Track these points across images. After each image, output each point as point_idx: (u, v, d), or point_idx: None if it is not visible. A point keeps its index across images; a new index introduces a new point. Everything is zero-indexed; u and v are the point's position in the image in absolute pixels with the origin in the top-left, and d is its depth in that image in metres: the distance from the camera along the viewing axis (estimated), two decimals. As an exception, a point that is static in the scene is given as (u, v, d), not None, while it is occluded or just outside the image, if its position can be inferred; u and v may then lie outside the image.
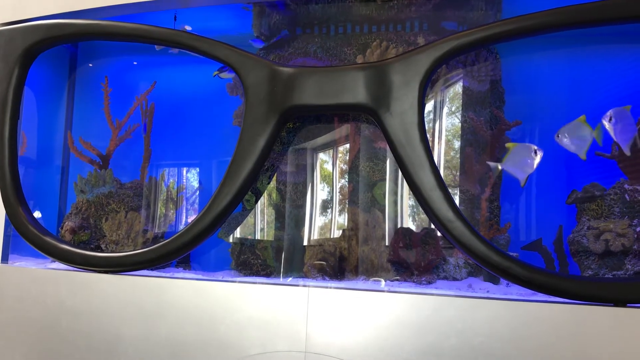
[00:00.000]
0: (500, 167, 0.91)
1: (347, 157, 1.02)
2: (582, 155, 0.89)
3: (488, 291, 0.87)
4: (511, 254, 0.79)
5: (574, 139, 0.89)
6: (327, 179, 1.03)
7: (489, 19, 0.98)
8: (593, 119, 0.95)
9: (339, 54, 1.04)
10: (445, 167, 0.97)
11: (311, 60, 1.04)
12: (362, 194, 0.99)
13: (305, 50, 1.06)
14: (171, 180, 1.18)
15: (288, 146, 1.03)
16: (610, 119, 0.87)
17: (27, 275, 0.96)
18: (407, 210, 0.98)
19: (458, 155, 0.97)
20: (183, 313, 0.85)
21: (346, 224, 0.99)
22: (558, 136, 0.90)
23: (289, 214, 1.03)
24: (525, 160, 0.89)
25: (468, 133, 0.96)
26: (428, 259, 0.93)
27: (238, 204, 0.89)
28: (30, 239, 0.96)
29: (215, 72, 1.07)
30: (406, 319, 0.75)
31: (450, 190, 0.79)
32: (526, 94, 1.00)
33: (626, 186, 0.88)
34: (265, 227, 1.07)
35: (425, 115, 0.82)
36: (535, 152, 0.88)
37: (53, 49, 1.02)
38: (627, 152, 0.87)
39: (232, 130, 1.08)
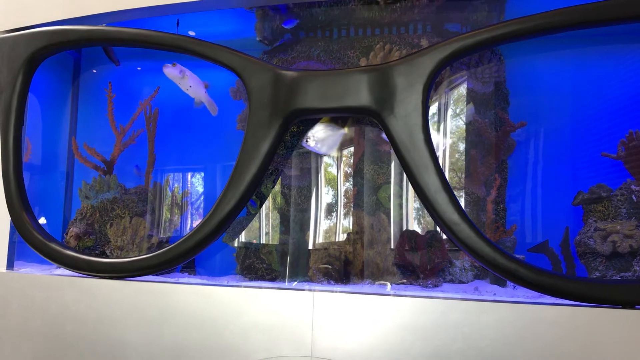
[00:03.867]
0: None
1: (352, 161, 1.01)
2: (335, 153, 0.95)
3: (495, 294, 0.86)
4: (517, 256, 0.79)
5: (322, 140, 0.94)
6: (332, 182, 1.03)
7: (492, 21, 0.98)
8: (598, 119, 0.95)
9: (342, 57, 1.04)
10: (450, 170, 0.97)
11: (314, 64, 1.04)
12: (366, 197, 0.99)
13: (309, 54, 1.06)
14: (175, 185, 1.18)
15: (292, 150, 1.03)
16: None
17: (32, 282, 0.96)
18: (412, 213, 0.97)
19: (463, 158, 0.97)
20: (188, 318, 0.84)
21: (351, 227, 0.99)
22: (307, 141, 0.95)
23: (294, 218, 1.03)
24: None
25: (472, 135, 0.96)
26: (434, 262, 0.93)
27: (242, 209, 0.89)
28: (35, 245, 0.96)
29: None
30: (412, 323, 0.75)
31: (455, 193, 0.78)
32: (531, 95, 0.99)
33: (633, 187, 0.88)
34: (270, 231, 1.06)
35: (429, 117, 0.82)
36: None
37: (57, 55, 1.02)
38: None
39: (236, 135, 1.08)
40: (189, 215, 1.18)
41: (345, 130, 0.95)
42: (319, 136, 0.93)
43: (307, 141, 0.94)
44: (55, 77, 1.26)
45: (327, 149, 0.94)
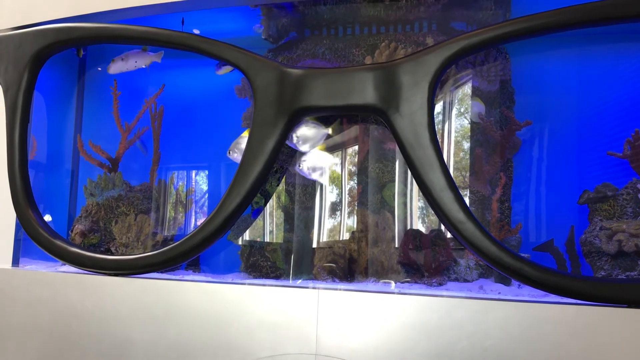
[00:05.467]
0: None
1: (356, 159, 1.01)
2: None
3: (499, 293, 0.86)
4: (523, 255, 0.79)
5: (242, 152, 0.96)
6: (336, 180, 1.03)
7: (498, 19, 0.98)
8: (604, 118, 0.95)
9: (348, 55, 1.04)
10: (455, 168, 0.97)
11: (320, 62, 1.04)
12: (371, 196, 0.99)
13: (314, 52, 1.06)
14: (180, 183, 1.18)
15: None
16: None
17: (38, 279, 0.96)
18: (416, 212, 0.97)
19: (468, 156, 0.97)
20: (192, 316, 0.85)
21: (355, 225, 0.99)
22: (229, 153, 0.99)
23: (298, 216, 1.03)
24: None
25: (478, 133, 0.96)
26: (438, 261, 0.93)
27: (247, 206, 0.89)
28: (40, 242, 0.97)
29: (221, 71, 1.09)
30: (417, 321, 0.75)
31: (460, 191, 0.78)
32: (536, 94, 0.99)
33: (639, 186, 0.87)
34: (275, 229, 1.06)
35: (434, 115, 0.81)
36: None
37: (62, 52, 1.03)
38: None
39: (241, 133, 1.08)
40: (194, 213, 1.18)
41: (329, 131, 0.97)
42: (303, 134, 0.94)
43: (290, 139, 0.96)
44: (61, 74, 1.26)
45: (308, 147, 0.96)
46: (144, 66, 1.13)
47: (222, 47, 0.90)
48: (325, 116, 0.99)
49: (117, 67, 1.13)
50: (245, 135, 0.99)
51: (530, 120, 0.95)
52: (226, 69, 1.07)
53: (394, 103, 0.80)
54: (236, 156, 1.00)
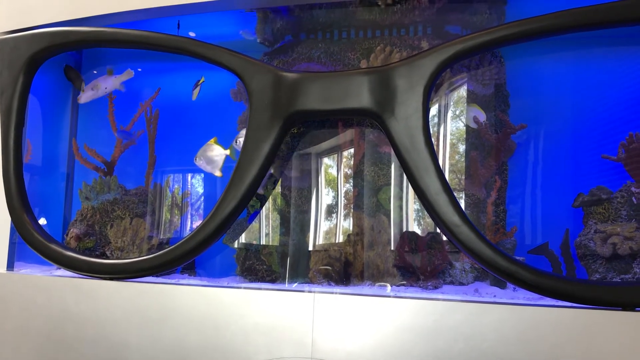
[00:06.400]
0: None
1: (352, 162, 1.01)
2: (218, 173, 1.03)
3: (495, 296, 0.86)
4: (518, 258, 0.79)
5: (208, 159, 1.01)
6: (332, 183, 1.03)
7: (493, 23, 0.98)
8: (599, 121, 0.95)
9: (343, 59, 1.04)
10: (450, 171, 0.97)
11: (315, 66, 1.04)
12: (367, 199, 0.99)
13: (309, 56, 1.06)
14: (176, 186, 1.18)
15: (292, 151, 1.03)
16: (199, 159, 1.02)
17: (33, 283, 0.96)
18: (412, 215, 0.97)
19: (463, 159, 0.97)
20: (188, 320, 0.84)
21: (351, 229, 0.99)
22: (196, 160, 1.02)
23: (294, 219, 1.03)
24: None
25: (473, 137, 0.96)
26: (434, 264, 0.93)
27: (243, 210, 0.89)
28: (35, 246, 0.96)
29: (194, 95, 1.10)
30: (413, 325, 0.75)
31: (455, 195, 0.78)
32: (531, 97, 0.99)
33: (633, 189, 0.88)
34: (270, 232, 1.06)
35: (430, 119, 0.82)
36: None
37: (57, 56, 1.02)
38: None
39: (236, 135, 1.08)
40: (189, 217, 1.18)
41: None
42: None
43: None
44: (56, 78, 1.26)
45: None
46: (115, 89, 1.14)
47: (217, 51, 0.91)
48: (320, 120, 1.00)
49: (87, 96, 1.15)
50: (212, 142, 1.00)
51: (525, 124, 0.95)
52: (197, 91, 1.09)
53: (389, 107, 0.81)
54: (202, 163, 1.01)
